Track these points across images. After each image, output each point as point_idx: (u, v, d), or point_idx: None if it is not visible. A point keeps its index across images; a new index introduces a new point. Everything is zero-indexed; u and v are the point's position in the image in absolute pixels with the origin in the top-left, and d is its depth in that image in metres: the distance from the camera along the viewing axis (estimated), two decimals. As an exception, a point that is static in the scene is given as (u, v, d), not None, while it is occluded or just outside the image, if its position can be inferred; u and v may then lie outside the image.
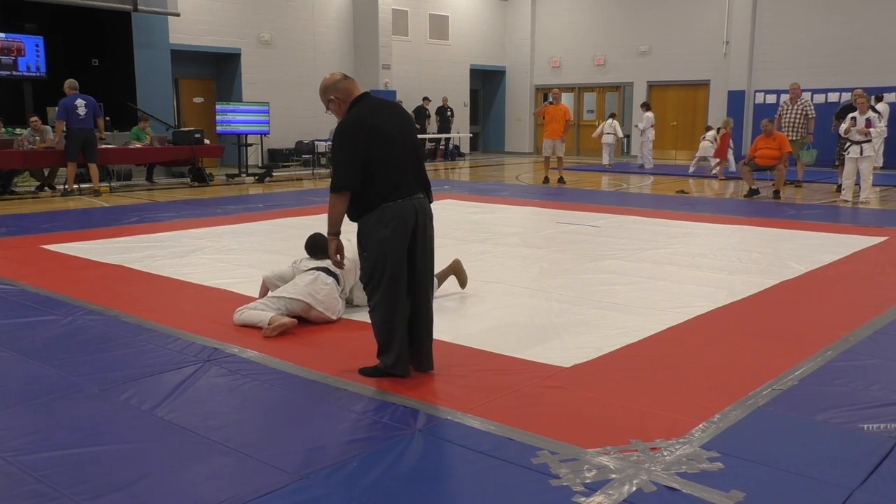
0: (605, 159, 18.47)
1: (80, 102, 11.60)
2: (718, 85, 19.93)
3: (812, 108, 13.42)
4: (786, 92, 14.00)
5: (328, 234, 3.80)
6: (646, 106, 18.45)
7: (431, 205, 3.89)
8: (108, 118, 13.32)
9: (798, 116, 13.24)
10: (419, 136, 16.39)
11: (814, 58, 18.22)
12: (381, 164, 3.63)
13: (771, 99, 18.46)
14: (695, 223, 9.15)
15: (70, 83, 11.71)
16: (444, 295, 5.60)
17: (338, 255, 3.82)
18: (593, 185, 14.40)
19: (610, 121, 18.83)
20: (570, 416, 3.37)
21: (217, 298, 5.53)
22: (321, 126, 17.76)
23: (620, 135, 18.80)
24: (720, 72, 19.82)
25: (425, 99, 20.35)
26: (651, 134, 18.05)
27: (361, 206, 3.69)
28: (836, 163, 12.92)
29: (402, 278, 3.71)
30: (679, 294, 5.61)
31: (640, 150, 18.57)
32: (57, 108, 11.74)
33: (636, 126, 18.53)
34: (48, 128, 12.46)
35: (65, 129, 11.63)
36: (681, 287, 5.83)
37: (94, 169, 12.10)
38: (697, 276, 6.20)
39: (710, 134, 16.95)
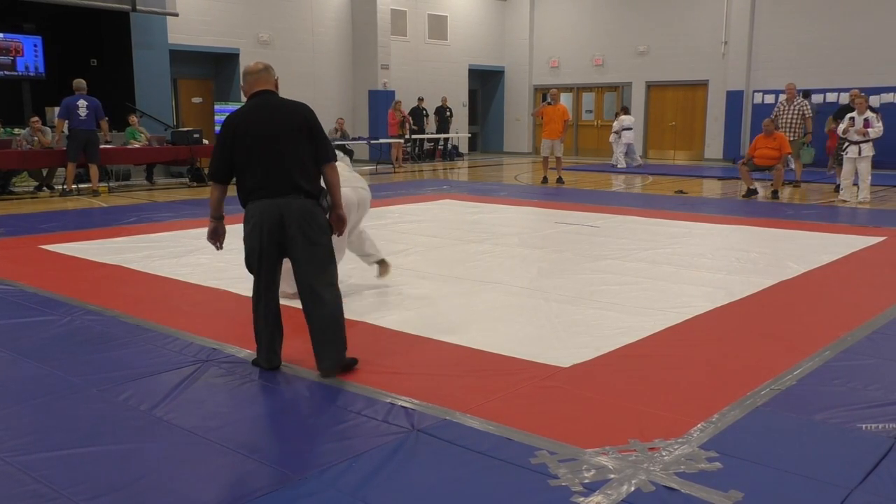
0: (620, 161, 18.62)
1: (81, 103, 11.60)
2: (717, 85, 19.94)
3: (808, 107, 13.43)
4: (784, 92, 14.01)
5: (210, 215, 3.99)
6: (624, 109, 18.97)
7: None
8: (107, 118, 13.31)
9: (795, 117, 13.25)
10: (416, 136, 16.30)
11: (812, 58, 18.24)
12: (244, 164, 3.80)
13: (769, 99, 18.47)
14: (693, 223, 9.15)
15: (76, 83, 11.71)
16: (443, 295, 5.60)
17: (217, 243, 4.01)
18: (592, 186, 14.41)
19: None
20: (569, 416, 3.37)
21: (216, 299, 5.53)
22: (320, 126, 17.74)
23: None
24: (718, 72, 19.84)
25: (419, 99, 20.39)
26: (626, 136, 18.34)
27: (241, 201, 3.91)
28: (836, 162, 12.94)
29: (261, 274, 3.87)
30: (677, 294, 5.61)
31: (617, 150, 18.68)
32: (59, 107, 11.76)
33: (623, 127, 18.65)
34: (48, 129, 12.47)
35: (67, 129, 11.65)
36: (679, 287, 5.83)
37: (94, 169, 12.09)
38: (696, 277, 6.20)
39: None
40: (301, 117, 3.87)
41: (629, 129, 18.36)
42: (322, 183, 3.93)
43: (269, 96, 3.92)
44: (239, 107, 3.95)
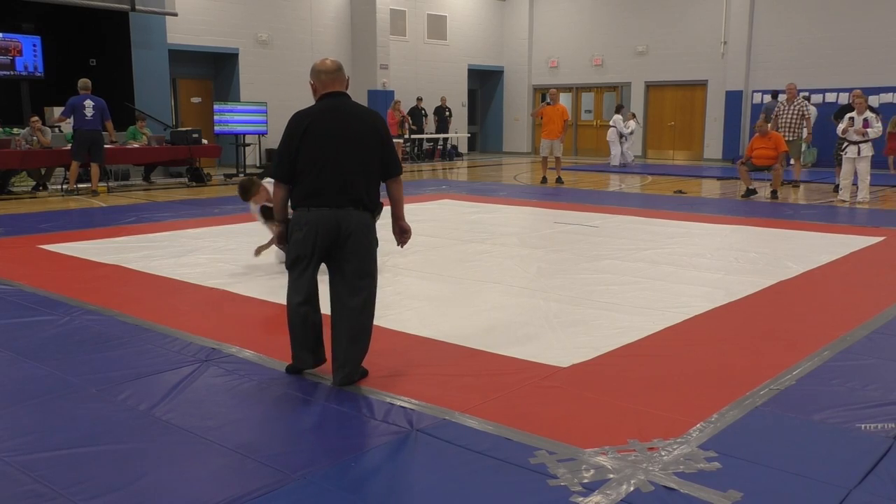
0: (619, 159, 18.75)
1: (88, 103, 11.59)
2: (716, 85, 19.95)
3: (808, 108, 13.43)
4: (783, 92, 14.03)
5: (276, 219, 3.89)
6: (616, 108, 19.46)
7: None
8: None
9: (795, 117, 13.25)
10: (415, 136, 16.21)
11: (811, 58, 18.25)
12: (307, 167, 3.66)
13: (768, 99, 18.49)
14: (692, 223, 9.15)
15: (82, 83, 11.72)
16: (442, 295, 5.60)
17: (281, 244, 3.88)
18: (591, 186, 14.41)
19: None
20: (568, 416, 3.37)
21: (215, 298, 5.53)
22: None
23: (625, 131, 18.91)
24: (718, 72, 19.84)
25: (419, 99, 20.40)
26: (608, 134, 18.88)
27: (293, 203, 3.78)
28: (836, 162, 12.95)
29: (304, 281, 3.71)
30: (676, 294, 5.61)
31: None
32: (65, 106, 11.79)
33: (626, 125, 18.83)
34: (47, 129, 12.47)
35: (71, 128, 11.68)
36: (678, 287, 5.83)
37: (95, 169, 12.08)
38: (695, 276, 6.20)
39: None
40: (373, 126, 3.76)
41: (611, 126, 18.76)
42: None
43: (343, 99, 3.79)
44: (312, 105, 3.79)
